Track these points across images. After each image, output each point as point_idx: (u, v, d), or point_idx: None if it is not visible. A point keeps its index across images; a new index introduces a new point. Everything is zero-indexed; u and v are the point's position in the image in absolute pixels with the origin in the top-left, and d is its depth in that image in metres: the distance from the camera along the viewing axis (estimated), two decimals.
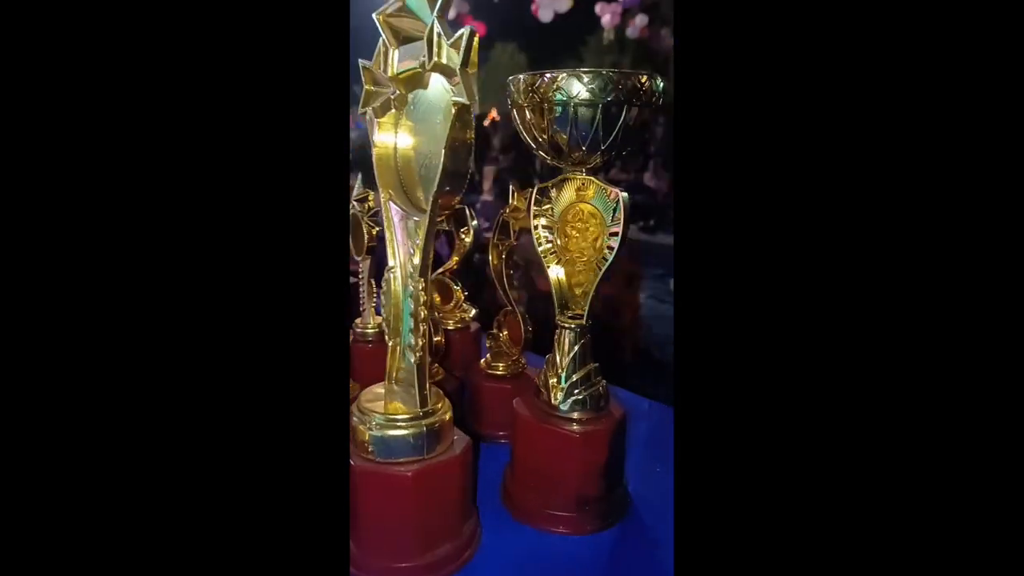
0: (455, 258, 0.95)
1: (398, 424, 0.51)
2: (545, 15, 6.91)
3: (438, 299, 0.93)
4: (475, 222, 0.89)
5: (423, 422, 0.52)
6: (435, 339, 0.74)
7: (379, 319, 0.89)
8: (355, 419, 0.52)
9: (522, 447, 0.62)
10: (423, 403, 0.52)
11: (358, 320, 0.89)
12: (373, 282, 0.87)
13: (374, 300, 0.87)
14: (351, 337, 0.88)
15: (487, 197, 5.97)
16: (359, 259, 0.85)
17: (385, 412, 0.52)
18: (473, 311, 0.95)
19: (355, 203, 0.83)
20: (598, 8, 6.99)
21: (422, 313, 0.51)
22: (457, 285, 0.95)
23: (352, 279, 0.92)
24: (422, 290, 0.51)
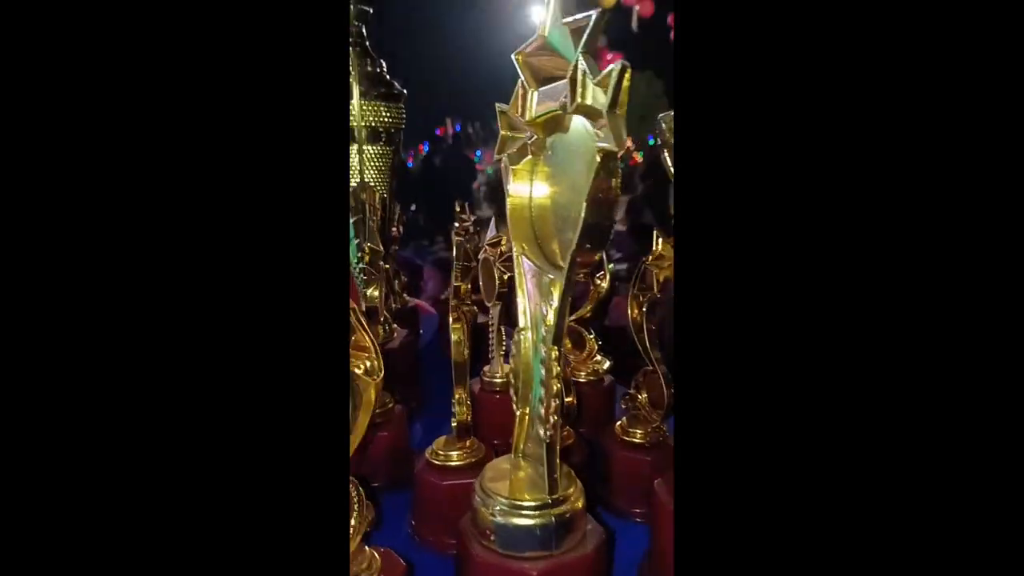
0: (588, 305, 0.88)
1: (523, 512, 0.45)
2: None
3: (569, 348, 0.87)
4: (611, 266, 0.82)
5: (552, 511, 0.45)
6: (567, 400, 0.68)
7: (507, 367, 0.85)
8: (477, 500, 0.47)
9: (665, 543, 0.53)
10: (552, 489, 0.45)
11: (486, 368, 0.85)
12: (503, 330, 0.83)
13: (503, 347, 0.83)
14: (478, 386, 0.84)
15: (620, 227, 5.86)
16: (489, 305, 0.81)
17: (510, 496, 0.46)
18: (607, 363, 0.87)
19: (487, 247, 0.79)
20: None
21: (555, 385, 0.44)
22: (590, 334, 0.88)
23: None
24: (555, 359, 0.44)
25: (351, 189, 0.84)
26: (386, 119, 0.83)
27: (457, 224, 1.19)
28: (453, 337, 0.64)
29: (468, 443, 0.63)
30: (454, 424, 0.65)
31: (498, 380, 0.83)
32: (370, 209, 0.85)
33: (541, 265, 0.48)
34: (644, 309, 0.69)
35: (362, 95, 0.80)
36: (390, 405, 0.73)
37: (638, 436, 0.70)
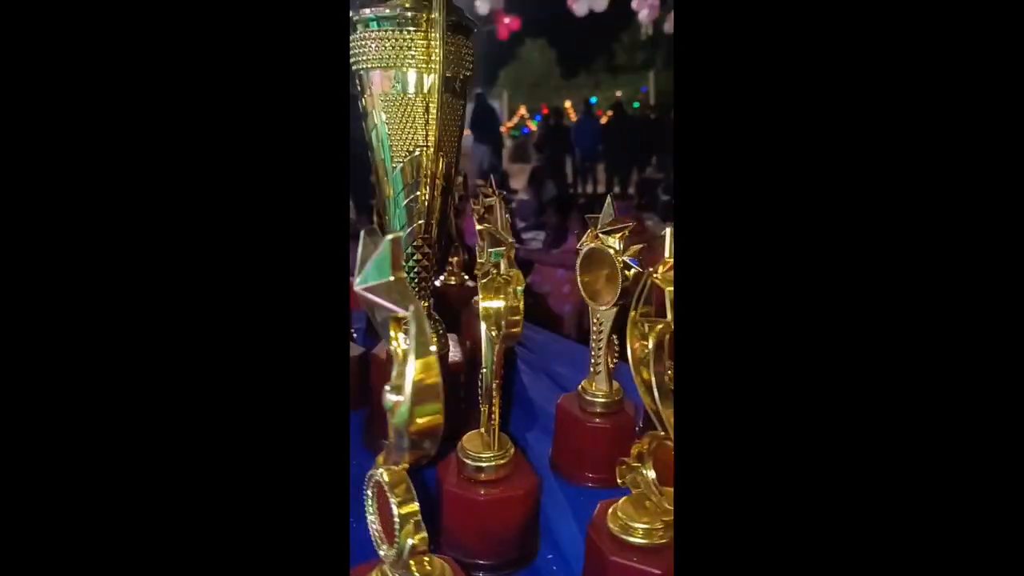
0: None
1: None
2: (580, 8, 6.69)
3: None
4: None
5: None
6: None
7: (615, 385, 0.69)
8: None
9: None
10: None
11: (584, 383, 0.68)
12: (615, 339, 0.66)
13: (614, 360, 0.67)
14: (573, 405, 0.68)
15: (524, 197, 5.75)
16: (603, 308, 0.64)
17: None
18: None
19: (600, 235, 0.62)
20: (635, 3, 6.71)
21: None
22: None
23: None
24: None
25: (411, 157, 0.62)
26: (458, 60, 0.61)
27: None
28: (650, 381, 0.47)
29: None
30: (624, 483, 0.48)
31: (600, 400, 0.67)
32: (438, 185, 0.64)
33: None
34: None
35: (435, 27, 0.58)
36: (509, 450, 0.54)
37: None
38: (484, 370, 0.52)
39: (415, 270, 0.67)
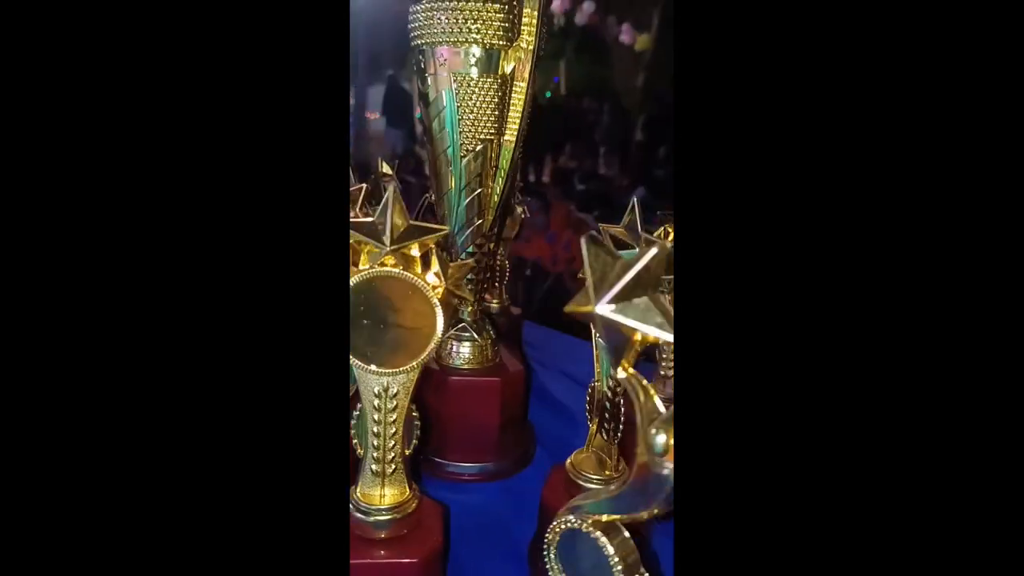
0: None
1: None
2: None
3: None
4: None
5: None
6: None
7: None
8: None
9: None
10: None
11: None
12: None
13: None
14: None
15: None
16: None
17: None
18: None
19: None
20: None
21: None
22: None
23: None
24: None
25: (481, 147, 0.55)
26: (536, 34, 0.55)
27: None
28: None
29: None
30: None
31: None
32: (507, 179, 0.58)
33: None
34: None
35: None
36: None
37: None
38: (597, 382, 0.48)
39: (475, 271, 0.61)
